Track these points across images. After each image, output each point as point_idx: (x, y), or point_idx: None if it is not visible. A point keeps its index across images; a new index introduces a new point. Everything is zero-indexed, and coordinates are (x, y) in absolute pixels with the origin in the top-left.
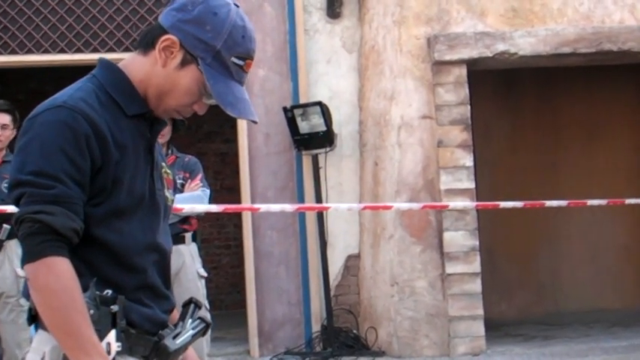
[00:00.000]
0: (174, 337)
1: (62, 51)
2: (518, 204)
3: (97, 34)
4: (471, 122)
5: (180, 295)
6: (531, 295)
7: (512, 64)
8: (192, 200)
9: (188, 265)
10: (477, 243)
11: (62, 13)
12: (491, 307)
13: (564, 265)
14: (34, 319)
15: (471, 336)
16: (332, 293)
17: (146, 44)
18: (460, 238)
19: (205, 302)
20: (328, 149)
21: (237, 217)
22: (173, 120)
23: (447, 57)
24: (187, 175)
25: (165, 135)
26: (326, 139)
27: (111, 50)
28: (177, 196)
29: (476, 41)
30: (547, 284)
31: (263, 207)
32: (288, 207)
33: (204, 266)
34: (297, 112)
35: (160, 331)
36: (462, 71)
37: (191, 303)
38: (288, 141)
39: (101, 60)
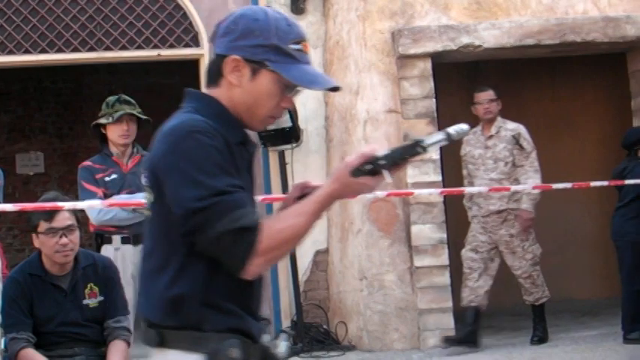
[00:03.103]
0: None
1: (27, 52)
2: (483, 189)
3: (62, 34)
4: (436, 115)
5: None
6: (500, 286)
7: (476, 57)
8: None
9: None
10: (445, 236)
11: (26, 13)
12: (460, 300)
13: None
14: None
15: (441, 328)
16: (301, 288)
17: (214, 77)
18: (428, 231)
19: None
20: (294, 145)
21: None
22: (138, 118)
23: (412, 51)
24: None
25: (130, 135)
26: (292, 135)
27: (75, 50)
28: (142, 194)
29: (440, 34)
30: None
31: None
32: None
33: None
34: None
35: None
36: (427, 65)
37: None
38: (254, 137)
39: (190, 92)
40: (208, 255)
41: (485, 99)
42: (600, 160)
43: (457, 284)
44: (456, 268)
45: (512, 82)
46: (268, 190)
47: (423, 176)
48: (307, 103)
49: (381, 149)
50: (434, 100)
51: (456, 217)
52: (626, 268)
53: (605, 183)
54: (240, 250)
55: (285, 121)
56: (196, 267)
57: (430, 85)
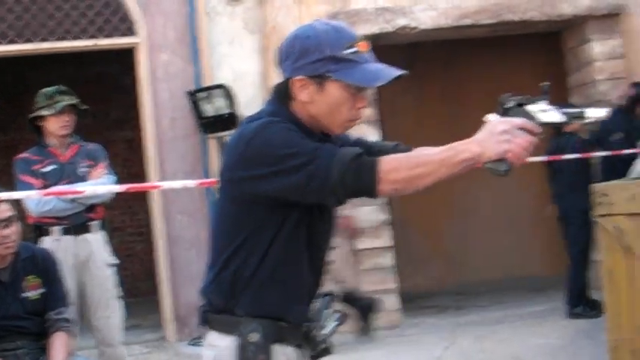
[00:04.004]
0: (321, 329)
1: None
2: None
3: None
4: (377, 98)
5: (89, 282)
6: (445, 266)
7: (414, 38)
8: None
9: (96, 254)
10: (388, 217)
11: None
12: (406, 280)
13: (476, 234)
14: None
15: (386, 310)
16: None
17: (285, 97)
18: (370, 213)
19: (115, 290)
20: (233, 131)
21: (148, 203)
22: (77, 109)
23: None
24: (91, 162)
25: (69, 125)
26: (231, 121)
27: (12, 42)
28: (81, 183)
29: (377, 17)
30: (460, 254)
31: (165, 184)
32: (190, 183)
33: (115, 254)
34: (201, 95)
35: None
36: None
37: (327, 295)
38: (193, 125)
39: (268, 103)
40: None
41: None
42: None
43: (402, 265)
44: (401, 249)
45: (451, 62)
46: (208, 175)
47: None
48: (245, 89)
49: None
50: None
51: (399, 198)
52: (576, 245)
53: (542, 158)
54: (366, 173)
55: (224, 108)
56: (241, 257)
57: None
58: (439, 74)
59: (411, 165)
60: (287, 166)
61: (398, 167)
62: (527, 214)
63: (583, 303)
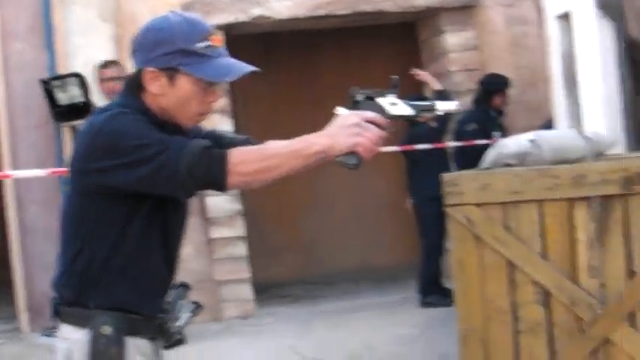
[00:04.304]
0: (175, 321)
1: None
2: None
3: None
4: (231, 88)
5: None
6: (299, 255)
7: (270, 28)
8: None
9: None
10: (240, 207)
11: None
12: (260, 270)
13: (330, 223)
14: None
15: (240, 299)
16: None
17: (137, 89)
18: (223, 203)
19: None
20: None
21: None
22: None
23: None
24: None
25: None
26: (85, 110)
27: None
28: None
29: (232, 6)
30: (314, 244)
31: (16, 173)
32: (41, 172)
33: None
34: (55, 83)
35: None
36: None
37: (181, 286)
38: (47, 113)
39: (120, 94)
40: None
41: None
42: (394, 129)
43: (256, 255)
44: (255, 239)
45: (306, 53)
46: (61, 165)
47: None
48: None
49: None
50: None
51: (252, 188)
52: (429, 235)
53: (396, 148)
54: (215, 165)
55: (78, 97)
56: (91, 250)
57: None
58: (293, 66)
59: (260, 157)
60: (136, 158)
61: (247, 159)
62: (383, 203)
63: (436, 292)
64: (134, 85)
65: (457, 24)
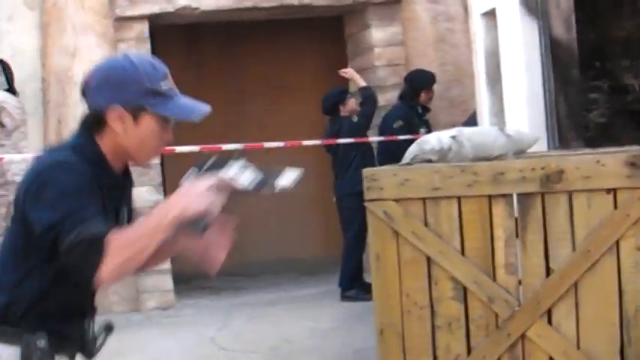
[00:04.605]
0: (94, 341)
1: None
2: (195, 148)
3: None
4: None
5: None
6: None
7: (196, 19)
8: None
9: None
10: (162, 197)
11: None
12: (181, 261)
13: (254, 217)
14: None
15: (160, 290)
16: None
17: (95, 127)
18: (145, 194)
19: None
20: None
21: None
22: None
23: (129, 13)
24: None
25: None
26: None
27: None
28: None
29: None
30: (237, 236)
31: None
32: None
33: None
34: None
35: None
36: (144, 27)
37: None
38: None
39: (79, 129)
40: (62, 268)
41: None
42: (320, 123)
43: None
44: None
45: (231, 45)
46: None
47: None
48: (24, 65)
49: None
50: None
51: (175, 179)
52: (351, 229)
53: (318, 142)
54: (90, 259)
55: (2, 84)
56: (30, 282)
57: (147, 47)
58: (219, 58)
59: (127, 245)
60: (54, 207)
61: (116, 253)
62: (306, 197)
63: (356, 286)
64: (91, 125)
65: (383, 19)
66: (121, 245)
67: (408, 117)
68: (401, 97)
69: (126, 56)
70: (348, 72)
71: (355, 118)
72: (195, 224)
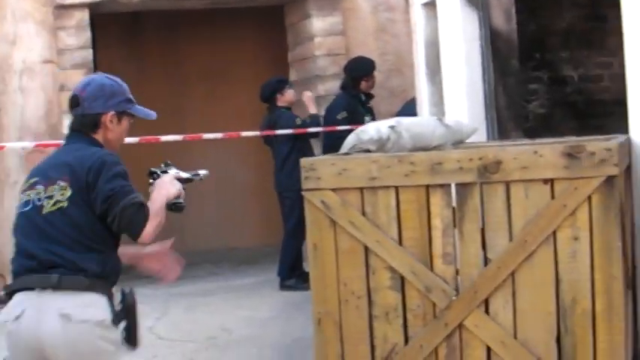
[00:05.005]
0: None
1: None
2: (134, 140)
3: None
4: (94, 67)
5: None
6: (160, 236)
7: (135, 8)
8: None
9: None
10: None
11: None
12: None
13: (194, 205)
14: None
15: None
16: None
17: (92, 127)
18: None
19: None
20: None
21: None
22: None
23: (69, 0)
24: None
25: None
26: None
27: None
28: None
29: None
30: (177, 225)
31: None
32: None
33: None
34: None
35: None
36: (84, 15)
37: None
38: None
39: (79, 134)
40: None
41: None
42: (259, 112)
43: None
44: None
45: (172, 35)
46: None
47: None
48: None
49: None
50: (91, 50)
51: None
52: (291, 219)
53: (256, 133)
54: (139, 218)
55: None
56: (108, 250)
57: (87, 35)
58: (160, 47)
59: (154, 216)
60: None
61: (152, 221)
62: (247, 186)
63: (296, 275)
64: (89, 126)
65: (324, 9)
66: (154, 213)
67: (351, 107)
68: (342, 88)
69: (105, 75)
70: (306, 96)
71: (299, 121)
72: (177, 201)
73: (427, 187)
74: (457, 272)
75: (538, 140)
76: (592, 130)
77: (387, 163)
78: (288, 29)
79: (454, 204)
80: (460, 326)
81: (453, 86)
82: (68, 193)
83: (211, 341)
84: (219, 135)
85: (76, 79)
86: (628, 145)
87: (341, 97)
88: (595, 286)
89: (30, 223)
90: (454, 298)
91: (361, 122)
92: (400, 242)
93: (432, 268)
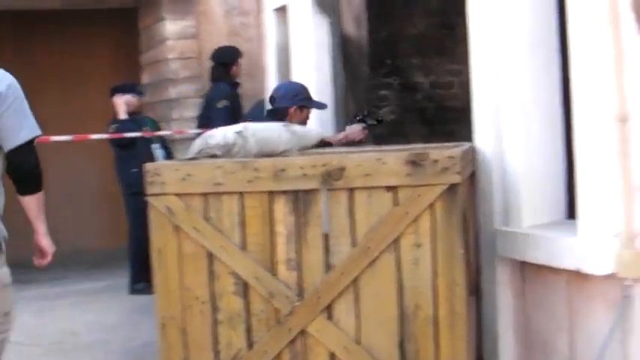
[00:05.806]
0: None
1: None
2: None
3: None
4: None
5: None
6: (8, 239)
7: None
8: None
9: None
10: None
11: None
12: None
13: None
14: None
15: None
16: None
17: (283, 116)
18: None
19: None
20: None
21: None
22: None
23: None
24: None
25: None
26: None
27: None
28: None
29: None
30: (23, 228)
31: None
32: None
33: None
34: None
35: None
36: None
37: None
38: None
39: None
40: None
41: None
42: (110, 114)
43: None
44: None
45: (23, 34)
46: None
47: None
48: None
49: None
50: None
51: None
52: (134, 219)
53: (105, 136)
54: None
55: None
56: None
57: None
58: (12, 47)
59: None
60: None
61: None
62: (94, 189)
63: (145, 279)
64: (282, 115)
65: (177, 12)
66: None
67: (232, 95)
68: (214, 79)
69: (289, 81)
70: (116, 102)
71: (111, 129)
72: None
73: (271, 193)
74: (300, 278)
75: (384, 147)
76: (442, 136)
77: (231, 169)
78: (141, 32)
79: (298, 210)
80: (303, 332)
81: None
82: None
83: (58, 346)
84: (68, 137)
85: None
86: (472, 153)
87: (219, 86)
88: (438, 293)
89: None
90: (297, 303)
91: (240, 111)
92: (244, 248)
93: (275, 274)
